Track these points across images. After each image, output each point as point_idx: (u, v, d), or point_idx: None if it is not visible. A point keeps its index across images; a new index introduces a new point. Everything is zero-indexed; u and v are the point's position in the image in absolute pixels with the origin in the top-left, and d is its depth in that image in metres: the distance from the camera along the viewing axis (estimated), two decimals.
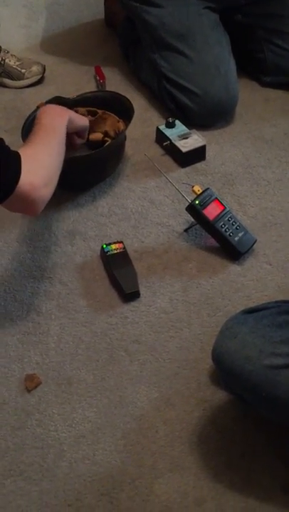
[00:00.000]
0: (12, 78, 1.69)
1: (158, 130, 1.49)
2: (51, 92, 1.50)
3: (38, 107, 1.40)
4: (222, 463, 0.97)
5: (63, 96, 1.45)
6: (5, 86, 1.71)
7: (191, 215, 1.27)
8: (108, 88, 1.66)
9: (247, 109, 1.60)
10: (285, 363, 0.84)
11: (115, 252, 1.23)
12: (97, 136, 1.41)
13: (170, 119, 1.47)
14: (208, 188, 1.27)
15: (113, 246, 1.24)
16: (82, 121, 1.28)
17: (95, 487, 0.95)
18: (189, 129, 1.48)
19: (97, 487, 0.95)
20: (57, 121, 1.16)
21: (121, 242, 1.26)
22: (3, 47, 1.70)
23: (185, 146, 1.44)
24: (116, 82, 1.69)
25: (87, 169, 1.37)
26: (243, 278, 1.22)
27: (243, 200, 1.37)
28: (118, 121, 1.41)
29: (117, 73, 1.74)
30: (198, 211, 1.24)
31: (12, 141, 1.48)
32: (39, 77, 1.70)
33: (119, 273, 1.20)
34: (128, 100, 1.44)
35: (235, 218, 1.26)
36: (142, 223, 1.33)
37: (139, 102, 1.59)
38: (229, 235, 1.23)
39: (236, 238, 1.23)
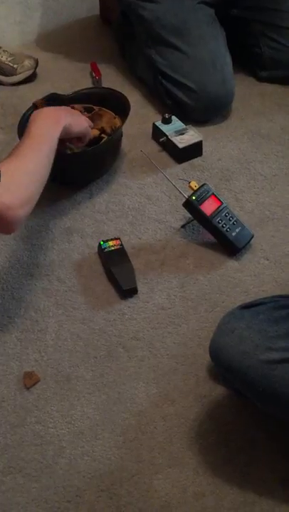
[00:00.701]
0: (5, 74, 1.68)
1: (154, 126, 1.49)
2: (47, 89, 1.49)
3: (34, 104, 1.40)
4: (221, 457, 0.97)
5: (59, 93, 1.45)
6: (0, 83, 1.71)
7: (188, 210, 1.27)
8: (104, 84, 1.65)
9: (243, 104, 1.60)
10: (281, 358, 0.84)
11: (113, 248, 1.24)
12: (93, 132, 1.41)
13: (166, 115, 1.47)
14: (204, 184, 1.27)
15: (110, 243, 1.24)
16: (81, 127, 1.23)
17: (94, 483, 0.95)
18: (186, 125, 1.47)
19: (97, 483, 0.95)
20: (48, 130, 1.10)
21: (118, 238, 1.26)
22: None
23: (182, 141, 1.44)
24: (112, 79, 1.69)
25: (84, 166, 1.37)
26: (240, 273, 1.22)
27: (239, 195, 1.37)
28: (114, 118, 1.41)
29: (113, 69, 1.73)
30: (195, 207, 1.24)
31: (8, 138, 1.49)
32: (31, 71, 1.69)
33: (117, 270, 1.20)
34: (124, 96, 1.44)
35: (232, 214, 1.26)
36: (139, 220, 1.33)
37: (135, 98, 1.59)
38: (226, 230, 1.23)
39: (233, 233, 1.24)
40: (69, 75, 1.73)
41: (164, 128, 1.47)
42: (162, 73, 1.54)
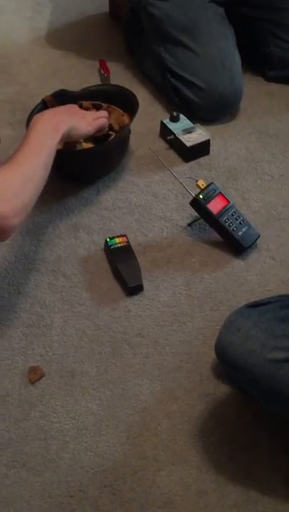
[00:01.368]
0: None
1: (162, 124, 1.49)
2: (56, 85, 1.49)
3: (43, 100, 1.40)
4: (224, 455, 0.97)
5: (68, 89, 1.45)
6: None
7: (194, 209, 1.27)
8: (113, 82, 1.65)
9: (251, 104, 1.60)
10: (287, 357, 0.84)
11: (119, 245, 1.24)
12: None
13: (174, 113, 1.47)
14: (212, 183, 1.27)
15: (117, 240, 1.25)
16: (85, 130, 1.22)
17: (97, 479, 0.96)
18: (193, 123, 1.47)
19: (100, 479, 0.96)
20: (47, 139, 1.08)
21: (124, 235, 1.26)
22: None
23: (189, 140, 1.44)
24: (120, 76, 1.69)
25: (92, 163, 1.37)
26: (246, 272, 1.22)
27: (246, 194, 1.37)
28: (122, 115, 1.41)
29: (122, 67, 1.73)
30: (202, 205, 1.25)
31: (16, 134, 1.50)
32: None
33: (123, 267, 1.20)
34: (132, 94, 1.44)
35: (238, 213, 1.26)
36: (145, 217, 1.33)
37: (143, 96, 1.59)
38: (233, 229, 1.23)
39: (240, 233, 1.24)
40: (78, 72, 1.73)
41: (171, 126, 1.47)
42: (171, 71, 1.54)
